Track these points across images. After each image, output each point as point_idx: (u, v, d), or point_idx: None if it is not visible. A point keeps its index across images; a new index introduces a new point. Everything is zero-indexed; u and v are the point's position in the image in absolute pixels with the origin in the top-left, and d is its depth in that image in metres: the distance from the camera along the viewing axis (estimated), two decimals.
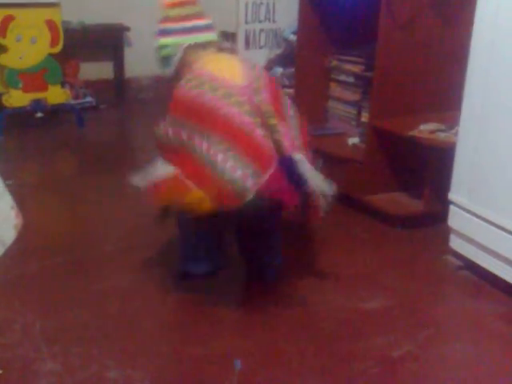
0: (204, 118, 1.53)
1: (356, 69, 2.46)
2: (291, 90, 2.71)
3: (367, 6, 2.44)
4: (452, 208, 1.87)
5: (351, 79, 2.51)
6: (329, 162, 2.37)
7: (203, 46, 1.68)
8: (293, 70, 2.69)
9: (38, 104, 3.33)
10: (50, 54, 3.29)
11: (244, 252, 1.84)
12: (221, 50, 1.73)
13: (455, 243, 1.89)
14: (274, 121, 1.56)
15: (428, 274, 1.91)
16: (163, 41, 1.68)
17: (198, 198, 1.50)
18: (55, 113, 3.54)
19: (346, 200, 2.32)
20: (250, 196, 1.47)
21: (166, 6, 1.68)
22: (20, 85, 3.25)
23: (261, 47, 2.87)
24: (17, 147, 3.16)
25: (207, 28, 1.70)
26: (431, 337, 1.61)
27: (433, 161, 2.05)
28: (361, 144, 2.36)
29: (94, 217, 2.35)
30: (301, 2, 2.51)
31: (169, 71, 1.73)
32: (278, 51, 2.84)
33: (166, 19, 1.69)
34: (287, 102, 1.71)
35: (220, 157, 1.49)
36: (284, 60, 2.79)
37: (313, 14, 2.52)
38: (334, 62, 2.59)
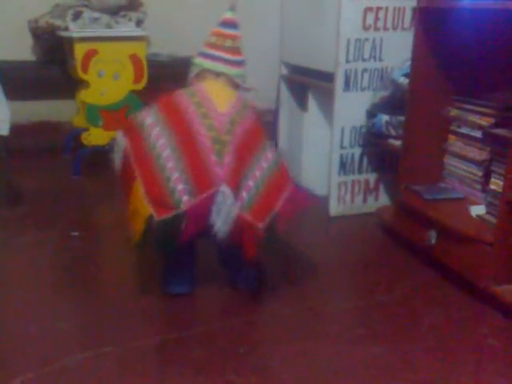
0: (177, 124, 1.70)
1: (483, 121, 1.99)
2: (398, 142, 2.28)
3: (502, 45, 1.97)
4: None
5: (477, 134, 2.03)
6: (445, 236, 1.93)
7: (218, 74, 1.83)
8: (402, 118, 2.25)
9: None
10: (133, 91, 3.06)
11: (224, 263, 1.89)
12: (231, 83, 1.85)
13: None
14: (220, 147, 1.66)
15: None
16: (195, 60, 1.89)
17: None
18: None
19: (468, 288, 1.86)
20: (180, 211, 1.60)
21: (212, 32, 1.90)
22: (100, 122, 3.05)
23: (363, 89, 2.45)
24: (92, 190, 2.95)
25: (234, 63, 1.85)
26: None
27: None
28: (488, 217, 1.87)
29: None
30: (416, 37, 2.09)
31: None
32: (384, 94, 2.41)
33: (207, 43, 1.88)
34: (266, 149, 1.78)
35: (170, 164, 1.64)
36: (391, 106, 2.35)
37: (430, 52, 2.09)
38: (455, 111, 2.13)
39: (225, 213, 1.62)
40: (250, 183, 1.69)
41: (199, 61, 1.88)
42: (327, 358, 1.57)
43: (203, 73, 1.84)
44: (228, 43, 1.87)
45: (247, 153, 1.72)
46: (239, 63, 1.87)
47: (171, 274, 1.84)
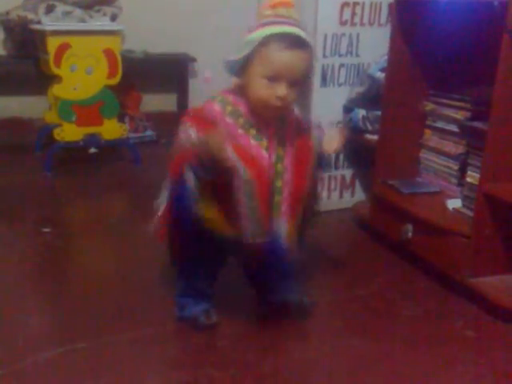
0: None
1: (459, 115, 2.00)
2: (375, 137, 2.28)
3: (477, 40, 1.99)
4: None
5: (453, 127, 2.05)
6: (422, 230, 1.94)
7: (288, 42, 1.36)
8: (378, 112, 2.25)
9: (91, 139, 3.05)
10: (107, 86, 3.01)
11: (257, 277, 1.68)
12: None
13: None
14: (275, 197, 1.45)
15: None
16: (251, 37, 1.39)
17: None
18: (110, 149, 3.26)
19: (445, 281, 1.86)
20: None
21: (269, 5, 1.42)
22: (73, 118, 2.99)
23: (340, 85, 2.45)
24: (64, 186, 2.89)
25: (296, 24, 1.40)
26: None
27: None
28: (464, 210, 1.88)
29: (146, 269, 1.98)
30: (392, 33, 2.10)
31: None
32: (361, 89, 2.41)
33: (263, 16, 1.43)
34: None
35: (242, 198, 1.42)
36: (368, 100, 2.35)
37: (406, 47, 2.10)
38: (431, 106, 2.14)
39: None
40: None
41: (260, 31, 1.37)
42: (305, 351, 1.56)
43: (264, 50, 1.36)
44: (293, 12, 1.44)
45: (303, 182, 1.49)
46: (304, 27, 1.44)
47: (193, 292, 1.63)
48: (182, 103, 3.86)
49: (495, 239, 1.75)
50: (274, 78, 1.36)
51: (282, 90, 1.37)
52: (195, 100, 3.88)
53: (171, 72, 3.82)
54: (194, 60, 3.75)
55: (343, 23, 2.37)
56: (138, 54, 3.52)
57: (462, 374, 1.48)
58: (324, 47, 2.37)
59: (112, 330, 1.60)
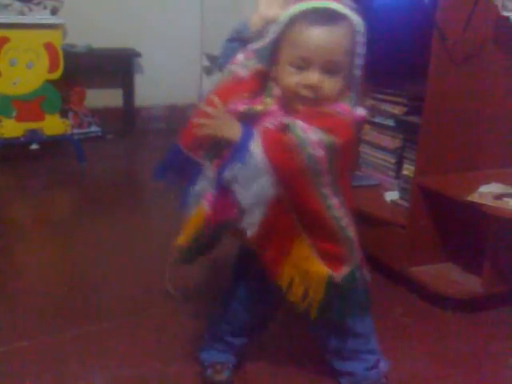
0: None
1: (396, 110, 2.07)
2: None
3: (412, 36, 2.05)
4: None
5: (390, 122, 2.11)
6: (362, 221, 1.99)
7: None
8: None
9: (33, 135, 2.99)
10: (48, 81, 2.95)
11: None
12: None
13: None
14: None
15: None
16: (287, 14, 1.13)
17: None
18: (53, 145, 3.20)
19: (383, 270, 1.92)
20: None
21: None
22: (13, 113, 2.92)
23: None
24: (4, 185, 2.81)
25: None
26: None
27: (496, 232, 1.64)
28: (401, 201, 1.95)
29: (91, 267, 1.98)
30: None
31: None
32: None
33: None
34: None
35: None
36: None
37: None
38: (369, 101, 2.20)
39: None
40: None
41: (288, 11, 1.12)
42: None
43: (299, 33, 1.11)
44: None
45: None
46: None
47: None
48: (128, 98, 3.82)
49: (430, 229, 1.82)
50: (301, 64, 1.11)
51: (311, 77, 1.10)
52: (141, 95, 3.85)
53: (116, 67, 3.77)
54: (139, 55, 3.72)
55: None
56: (81, 48, 3.45)
57: (398, 360, 1.54)
58: None
59: (54, 328, 1.59)
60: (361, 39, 1.15)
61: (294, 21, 1.11)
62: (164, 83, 3.80)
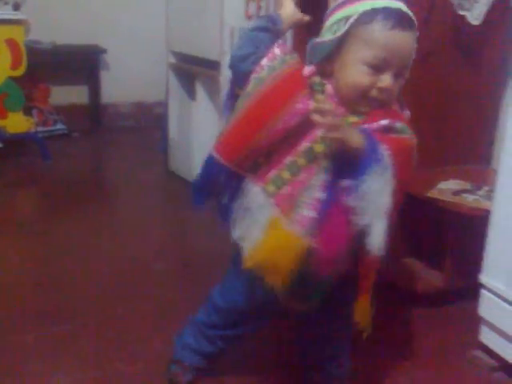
0: None
1: None
2: None
3: None
4: (484, 294, 1.49)
5: None
6: None
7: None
8: None
9: None
10: (11, 77, 2.90)
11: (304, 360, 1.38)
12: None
13: (487, 338, 1.50)
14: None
15: (452, 379, 1.50)
16: (338, 14, 1.09)
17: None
18: (17, 143, 3.14)
19: None
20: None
21: None
22: None
23: None
24: None
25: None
26: None
27: (456, 228, 1.67)
28: None
29: (57, 267, 1.95)
30: (294, 36, 2.14)
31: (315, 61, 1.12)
32: None
33: None
34: None
35: None
36: None
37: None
38: None
39: None
40: None
41: (356, 5, 1.06)
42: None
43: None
44: None
45: None
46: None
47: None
48: (94, 96, 3.78)
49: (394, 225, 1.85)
50: (378, 65, 1.06)
51: (387, 80, 1.06)
52: (107, 92, 3.81)
53: (81, 64, 3.73)
54: (104, 52, 3.68)
55: (249, 17, 2.40)
56: (45, 45, 3.40)
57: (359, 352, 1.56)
58: (231, 40, 2.39)
59: (17, 328, 1.56)
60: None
61: (369, 19, 1.04)
62: (130, 80, 3.77)
